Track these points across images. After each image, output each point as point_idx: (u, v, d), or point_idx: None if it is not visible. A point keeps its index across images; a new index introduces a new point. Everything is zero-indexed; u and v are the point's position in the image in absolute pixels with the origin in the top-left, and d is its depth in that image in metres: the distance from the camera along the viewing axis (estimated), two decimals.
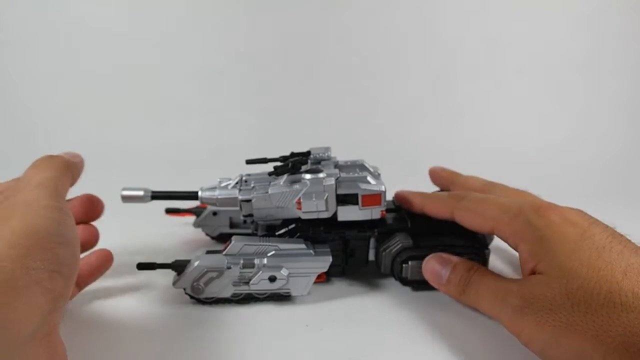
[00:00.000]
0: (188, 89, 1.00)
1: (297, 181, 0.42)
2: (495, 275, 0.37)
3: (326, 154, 0.48)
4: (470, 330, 0.39)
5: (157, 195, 0.47)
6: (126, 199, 0.46)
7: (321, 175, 0.42)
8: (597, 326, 0.28)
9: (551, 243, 0.32)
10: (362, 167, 0.46)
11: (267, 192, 0.42)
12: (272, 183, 0.43)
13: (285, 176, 0.43)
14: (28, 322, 0.25)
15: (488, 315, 0.36)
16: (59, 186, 0.33)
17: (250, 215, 0.43)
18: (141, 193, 0.46)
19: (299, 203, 0.42)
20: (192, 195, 0.46)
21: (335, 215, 0.43)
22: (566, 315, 0.29)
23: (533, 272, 0.33)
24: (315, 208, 0.42)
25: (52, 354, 0.27)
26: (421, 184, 0.53)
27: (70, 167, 0.36)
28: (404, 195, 0.47)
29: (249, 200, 0.43)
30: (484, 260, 0.45)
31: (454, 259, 0.40)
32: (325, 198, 0.41)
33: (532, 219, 0.34)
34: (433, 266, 0.41)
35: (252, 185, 0.44)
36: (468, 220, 0.40)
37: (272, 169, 0.46)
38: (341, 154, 0.51)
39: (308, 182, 0.42)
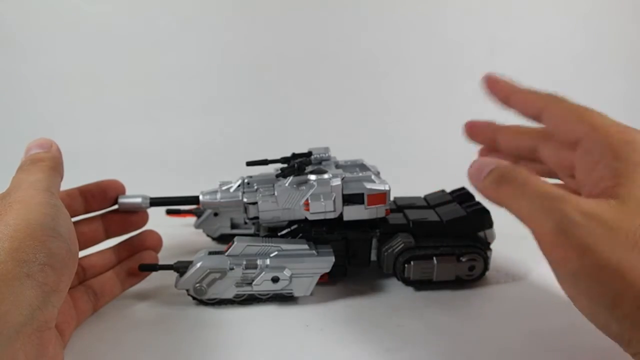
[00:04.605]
0: (188, 89, 0.99)
1: (303, 182, 0.42)
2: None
3: (326, 154, 0.48)
4: (470, 331, 0.39)
5: (156, 202, 0.45)
6: (123, 207, 0.44)
7: (326, 175, 0.42)
8: None
9: None
10: (362, 166, 0.46)
11: (273, 194, 0.42)
12: (276, 185, 0.43)
13: (289, 177, 0.43)
14: (15, 315, 0.25)
15: (521, 219, 0.30)
16: (51, 186, 0.33)
17: (256, 218, 0.43)
18: (139, 200, 0.44)
19: (306, 204, 0.41)
20: (193, 200, 0.45)
21: (337, 215, 0.43)
22: (621, 251, 0.25)
23: (601, 193, 0.28)
24: (323, 209, 0.41)
25: (42, 351, 0.26)
26: (422, 184, 0.54)
27: (56, 167, 0.36)
28: (492, 76, 0.41)
29: (254, 203, 0.42)
30: (486, 261, 0.45)
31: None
32: (333, 199, 0.41)
33: (636, 145, 0.29)
34: (481, 161, 0.34)
35: (255, 187, 0.44)
36: (558, 120, 0.34)
37: (274, 171, 0.45)
38: (341, 154, 0.50)
39: (315, 183, 0.42)
